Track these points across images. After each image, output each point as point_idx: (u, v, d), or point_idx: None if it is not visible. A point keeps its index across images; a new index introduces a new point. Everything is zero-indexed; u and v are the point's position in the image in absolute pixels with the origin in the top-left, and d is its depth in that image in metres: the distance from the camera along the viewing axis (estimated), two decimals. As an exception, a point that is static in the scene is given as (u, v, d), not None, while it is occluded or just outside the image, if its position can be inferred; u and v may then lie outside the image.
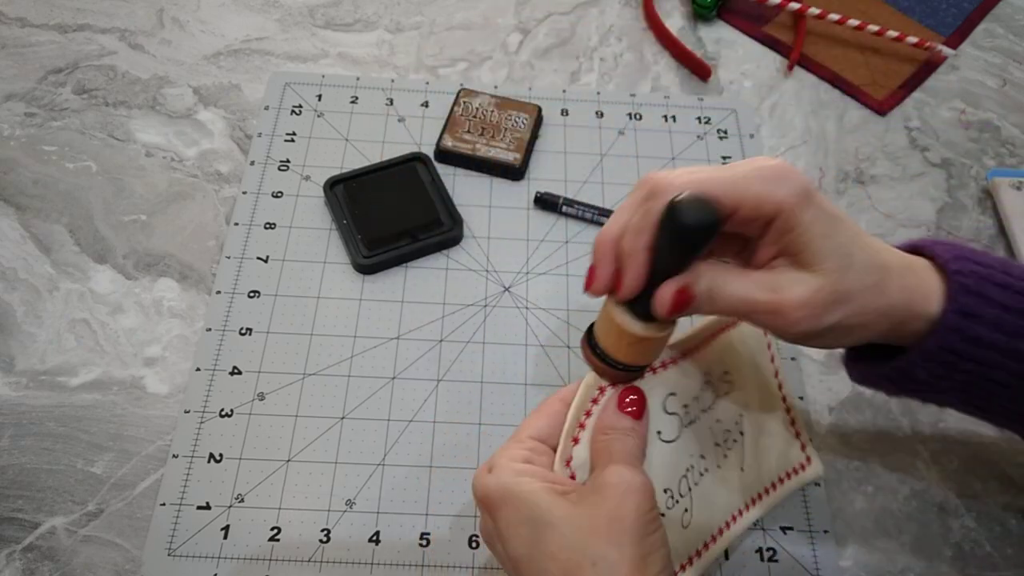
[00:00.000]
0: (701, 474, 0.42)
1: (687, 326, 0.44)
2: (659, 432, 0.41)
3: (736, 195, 0.34)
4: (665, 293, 0.34)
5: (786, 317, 0.35)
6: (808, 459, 0.47)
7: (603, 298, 0.38)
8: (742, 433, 0.45)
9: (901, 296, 0.36)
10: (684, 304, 0.35)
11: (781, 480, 0.46)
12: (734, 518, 0.44)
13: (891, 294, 0.36)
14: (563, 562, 0.33)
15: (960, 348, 0.36)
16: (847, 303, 0.35)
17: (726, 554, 0.47)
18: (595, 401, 0.40)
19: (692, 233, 0.33)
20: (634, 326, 0.36)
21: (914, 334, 0.37)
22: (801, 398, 0.53)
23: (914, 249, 0.39)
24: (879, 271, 0.36)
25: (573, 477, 0.38)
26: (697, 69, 0.69)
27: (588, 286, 0.37)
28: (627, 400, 0.39)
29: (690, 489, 0.42)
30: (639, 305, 0.35)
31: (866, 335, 0.37)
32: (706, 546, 0.42)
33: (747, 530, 0.44)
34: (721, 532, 0.43)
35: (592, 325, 0.39)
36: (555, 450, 0.39)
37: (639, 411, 0.38)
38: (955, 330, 0.36)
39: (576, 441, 0.39)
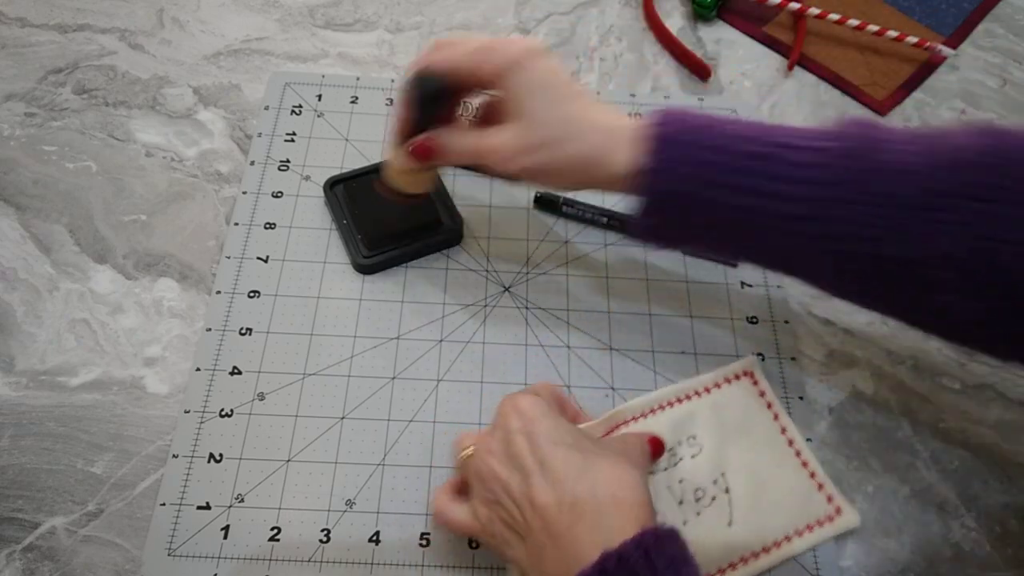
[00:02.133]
0: None
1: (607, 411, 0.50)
2: None
3: (455, 66, 0.45)
4: (415, 142, 0.47)
5: (488, 158, 0.45)
6: (838, 509, 0.47)
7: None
8: (727, 491, 0.47)
9: (588, 150, 0.43)
10: (426, 152, 0.47)
11: (804, 531, 0.47)
12: (732, 566, 0.45)
13: (576, 148, 0.43)
14: (600, 451, 0.41)
15: (661, 197, 0.43)
16: (534, 151, 0.44)
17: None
18: (614, 428, 0.50)
19: (422, 95, 0.45)
20: (402, 163, 0.49)
21: (613, 186, 0.44)
22: (801, 398, 0.53)
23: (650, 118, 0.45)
24: (567, 127, 0.44)
25: None
26: (697, 69, 0.69)
27: (391, 133, 0.50)
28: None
29: None
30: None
31: (566, 180, 0.46)
32: None
33: None
34: None
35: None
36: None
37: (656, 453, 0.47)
38: (650, 182, 0.42)
39: (608, 434, 0.49)
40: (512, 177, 0.47)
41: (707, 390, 0.51)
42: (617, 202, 0.61)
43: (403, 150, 0.48)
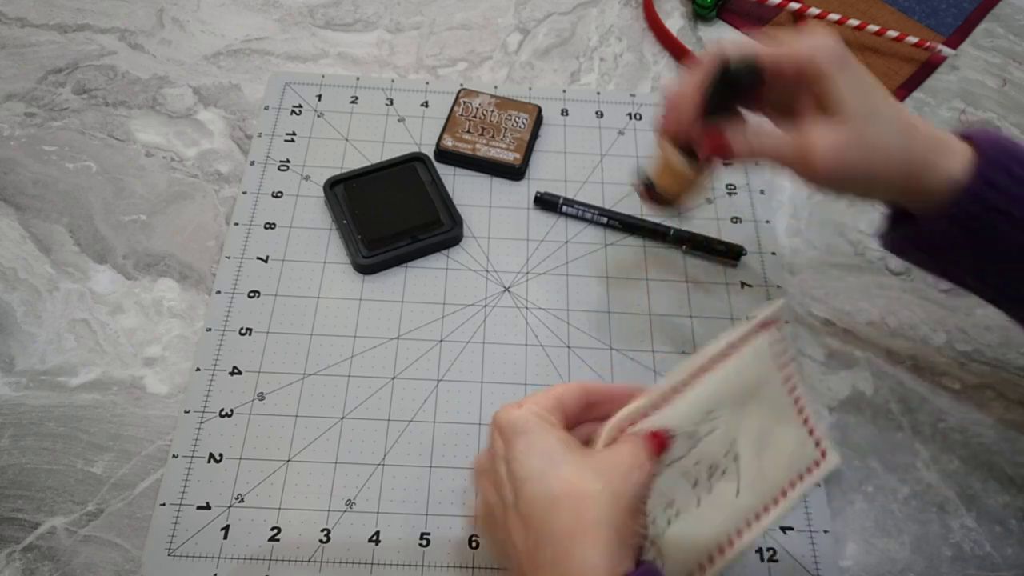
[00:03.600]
0: (669, 522, 0.43)
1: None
2: None
3: (777, 54, 0.41)
4: (711, 132, 0.42)
5: (813, 161, 0.40)
6: (823, 453, 0.46)
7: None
8: (736, 458, 0.45)
9: (925, 155, 0.40)
10: (721, 147, 0.42)
11: (796, 481, 0.46)
12: (739, 533, 0.44)
13: (915, 150, 0.40)
14: (571, 481, 0.36)
15: (981, 215, 0.40)
16: (871, 152, 0.40)
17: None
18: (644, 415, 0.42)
19: (738, 81, 0.41)
20: (679, 161, 0.44)
21: (933, 196, 0.41)
22: (801, 398, 0.53)
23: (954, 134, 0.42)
24: (905, 128, 0.40)
25: None
26: (697, 69, 0.69)
27: (661, 129, 0.45)
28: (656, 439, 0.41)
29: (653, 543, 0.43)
30: (686, 148, 0.44)
31: (887, 190, 0.42)
32: (702, 568, 0.43)
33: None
34: (721, 552, 0.44)
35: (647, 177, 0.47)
36: (567, 429, 0.40)
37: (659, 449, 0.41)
38: (978, 197, 0.39)
39: (623, 431, 0.41)
40: (823, 182, 0.43)
41: (726, 355, 0.45)
42: (617, 202, 0.61)
43: (685, 146, 0.44)
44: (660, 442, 0.42)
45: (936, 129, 0.42)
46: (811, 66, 0.41)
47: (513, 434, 0.38)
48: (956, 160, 0.40)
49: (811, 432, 0.47)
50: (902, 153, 0.40)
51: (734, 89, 0.41)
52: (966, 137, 0.42)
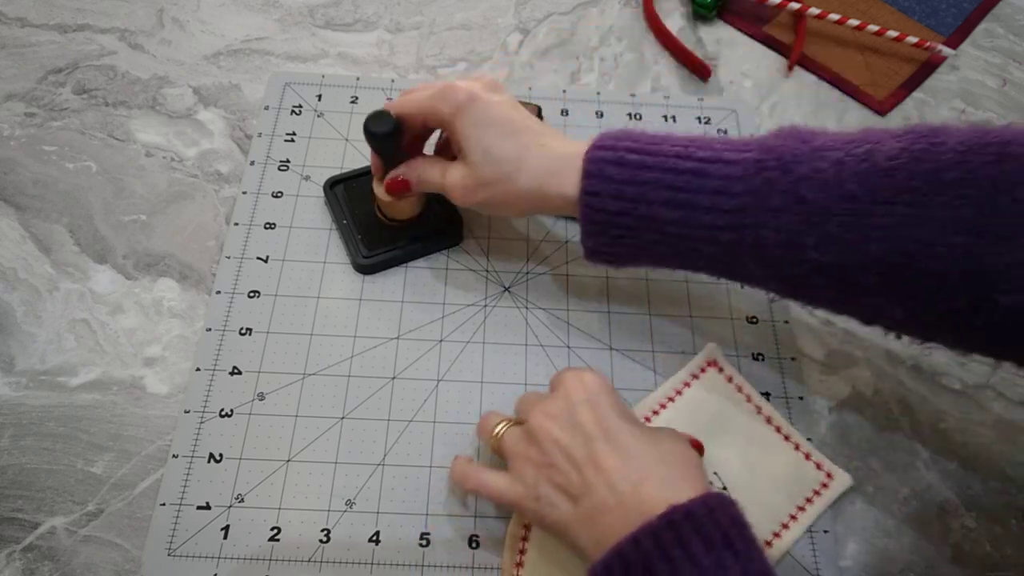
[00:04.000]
0: None
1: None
2: None
3: (408, 110, 0.49)
4: (388, 178, 0.52)
5: (451, 193, 0.50)
6: (829, 475, 0.48)
7: None
8: (724, 489, 0.48)
9: (535, 183, 0.46)
10: (398, 187, 0.52)
11: (804, 504, 0.47)
12: None
13: (522, 182, 0.46)
14: (664, 430, 0.43)
15: (600, 219, 0.45)
16: (486, 187, 0.48)
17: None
18: (671, 400, 0.50)
19: (376, 136, 0.48)
20: (385, 196, 0.53)
21: (565, 208, 0.47)
22: (801, 398, 0.53)
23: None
24: (514, 162, 0.46)
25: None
26: (697, 69, 0.69)
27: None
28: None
29: None
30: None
31: (517, 209, 0.50)
32: None
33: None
34: None
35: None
36: None
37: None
38: (586, 206, 0.45)
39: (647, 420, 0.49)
40: (469, 207, 0.51)
41: (678, 392, 0.51)
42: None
43: (381, 186, 0.53)
44: (696, 444, 0.47)
45: (567, 148, 0.46)
46: (433, 116, 0.48)
47: (602, 389, 0.43)
48: (571, 177, 0.45)
49: (807, 457, 0.48)
50: (517, 184, 0.47)
51: (384, 137, 0.48)
52: (595, 145, 0.46)
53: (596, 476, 0.39)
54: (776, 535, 0.47)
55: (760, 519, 0.46)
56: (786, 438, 0.50)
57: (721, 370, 0.52)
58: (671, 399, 0.51)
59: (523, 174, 0.46)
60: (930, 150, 0.38)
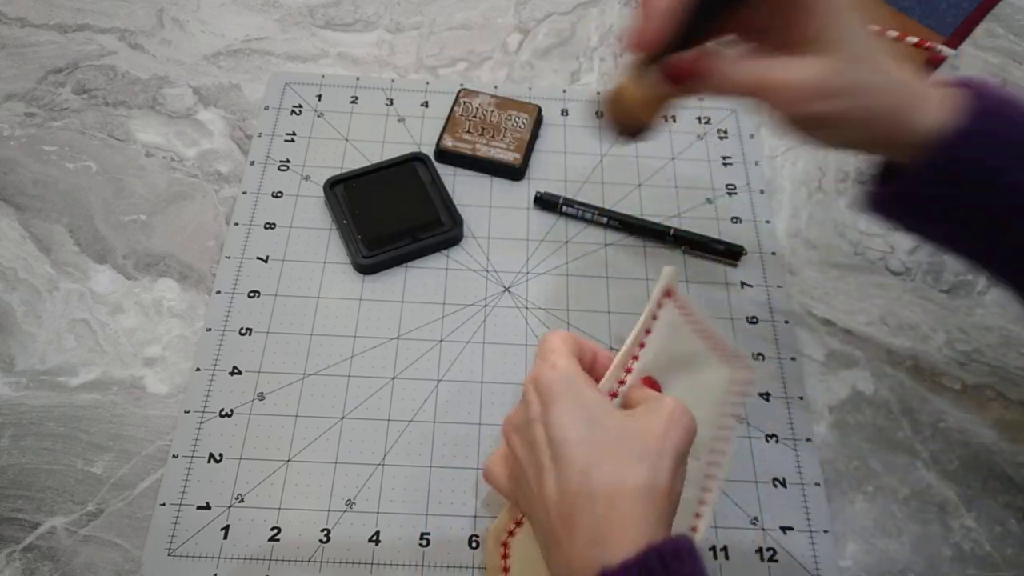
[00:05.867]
0: None
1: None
2: None
3: None
4: (680, 59, 0.38)
5: (775, 95, 0.37)
6: (743, 369, 0.46)
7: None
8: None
9: (896, 103, 0.37)
10: (691, 73, 0.38)
11: (731, 412, 0.47)
12: (706, 491, 0.44)
13: (886, 98, 0.37)
14: (611, 453, 0.35)
15: (961, 167, 0.37)
16: (842, 95, 0.36)
17: (726, 554, 0.47)
18: (642, 345, 0.43)
19: None
20: (644, 87, 0.40)
21: (922, 141, 0.37)
22: (801, 398, 0.53)
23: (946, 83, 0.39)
24: (881, 72, 0.37)
25: None
26: (697, 69, 0.69)
27: (631, 43, 0.38)
28: None
29: None
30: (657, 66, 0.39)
31: (864, 135, 0.38)
32: (693, 529, 0.43)
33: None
34: (703, 503, 0.44)
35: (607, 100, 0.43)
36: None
37: None
38: (953, 148, 0.37)
39: (622, 383, 0.42)
40: (802, 120, 0.39)
41: (641, 345, 0.45)
42: (617, 202, 0.61)
43: (655, 68, 0.39)
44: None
45: (917, 75, 0.38)
46: None
47: (551, 397, 0.38)
48: (945, 105, 0.37)
49: (728, 360, 0.46)
50: (882, 99, 0.37)
51: (715, 4, 0.37)
52: (959, 85, 0.38)
53: (541, 506, 0.37)
54: (719, 450, 0.46)
55: (702, 435, 0.45)
56: (713, 347, 0.47)
57: (674, 298, 0.46)
58: (641, 345, 0.45)
59: (887, 90, 0.37)
60: None
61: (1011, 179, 0.36)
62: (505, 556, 0.43)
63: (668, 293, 0.45)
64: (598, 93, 0.67)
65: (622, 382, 0.42)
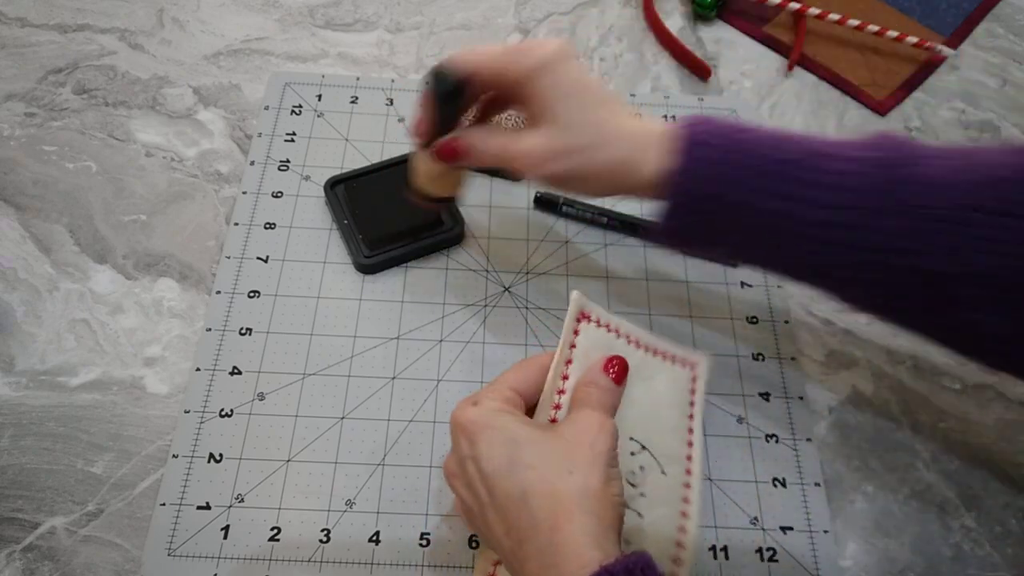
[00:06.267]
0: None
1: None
2: None
3: (481, 66, 0.42)
4: (440, 143, 0.45)
5: (517, 162, 0.44)
6: (693, 365, 0.46)
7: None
8: (633, 439, 0.45)
9: (619, 156, 0.42)
10: (452, 153, 0.45)
11: (691, 412, 0.47)
12: (686, 501, 0.45)
13: (607, 154, 0.42)
14: (541, 470, 0.37)
15: (689, 200, 0.42)
16: (566, 157, 0.42)
17: (726, 554, 0.47)
18: (569, 362, 0.44)
19: (440, 91, 0.43)
20: (428, 165, 0.47)
21: (649, 191, 0.42)
22: (801, 398, 0.53)
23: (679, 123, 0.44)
24: (598, 133, 0.42)
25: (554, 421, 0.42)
26: (697, 69, 0.69)
27: (410, 131, 0.47)
28: (612, 364, 0.43)
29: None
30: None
31: (596, 186, 0.45)
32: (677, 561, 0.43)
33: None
34: (684, 531, 0.44)
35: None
36: (530, 406, 0.42)
37: (619, 377, 0.42)
38: (678, 185, 0.41)
39: (561, 392, 0.42)
40: (538, 182, 0.46)
41: (568, 362, 0.45)
42: (617, 202, 0.61)
43: (428, 151, 0.46)
44: (616, 366, 0.43)
45: (649, 125, 0.43)
46: (504, 75, 0.43)
47: (474, 433, 0.39)
48: (655, 155, 0.42)
49: (672, 360, 0.47)
50: (601, 155, 0.42)
51: (448, 96, 0.43)
52: (683, 126, 0.42)
53: (496, 542, 0.38)
54: (688, 456, 0.46)
55: (671, 445, 0.45)
56: (653, 352, 0.47)
57: (591, 319, 0.47)
58: (565, 376, 0.45)
59: (609, 147, 0.42)
60: None
61: (734, 200, 0.40)
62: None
63: (582, 317, 0.46)
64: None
65: (558, 407, 0.42)
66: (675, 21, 0.73)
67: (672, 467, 0.45)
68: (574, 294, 0.46)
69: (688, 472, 0.46)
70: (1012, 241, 0.36)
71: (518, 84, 0.43)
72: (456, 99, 0.43)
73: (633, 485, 0.44)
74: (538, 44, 0.43)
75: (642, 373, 0.46)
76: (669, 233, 0.44)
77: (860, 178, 0.39)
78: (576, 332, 0.45)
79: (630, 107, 0.45)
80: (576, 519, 0.35)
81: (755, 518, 0.49)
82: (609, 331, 0.46)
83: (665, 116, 0.66)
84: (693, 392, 0.48)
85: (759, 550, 0.48)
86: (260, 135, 0.63)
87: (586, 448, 0.37)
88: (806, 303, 0.57)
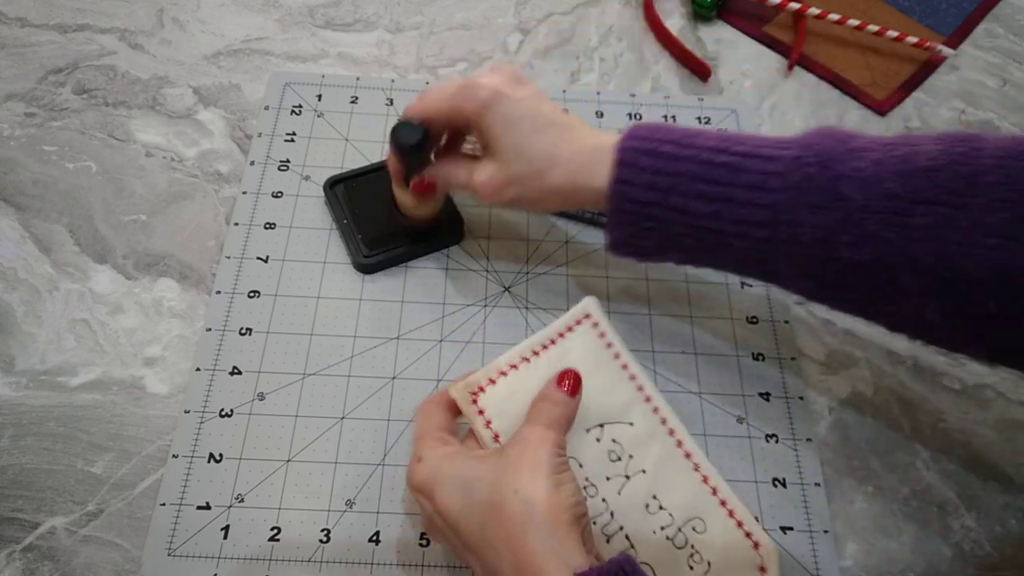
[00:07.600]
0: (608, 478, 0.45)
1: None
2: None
3: (432, 113, 0.47)
4: (415, 183, 0.51)
5: (480, 192, 0.48)
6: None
7: None
8: (643, 472, 0.45)
9: (566, 177, 0.45)
10: (426, 189, 0.51)
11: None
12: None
13: (554, 177, 0.46)
14: (490, 501, 0.38)
15: (629, 209, 0.44)
16: (517, 184, 0.47)
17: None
18: (536, 354, 0.47)
19: (406, 148, 0.48)
20: (408, 199, 0.53)
21: (596, 202, 0.45)
22: (801, 398, 0.53)
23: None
24: (545, 158, 0.46)
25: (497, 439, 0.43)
26: (697, 69, 0.69)
27: (390, 169, 0.52)
28: (565, 378, 0.43)
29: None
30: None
31: (547, 205, 0.51)
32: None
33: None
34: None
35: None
36: (453, 432, 0.44)
37: (573, 390, 0.43)
38: (617, 196, 0.44)
39: (488, 424, 0.44)
40: (497, 206, 0.50)
41: (552, 342, 0.48)
42: (617, 202, 0.61)
43: (407, 190, 0.52)
44: (569, 380, 0.44)
45: (597, 140, 0.46)
46: (457, 115, 0.47)
47: (430, 490, 0.40)
48: (602, 170, 0.44)
49: (655, 411, 0.47)
50: (551, 177, 0.46)
51: (413, 148, 0.47)
52: (624, 137, 0.45)
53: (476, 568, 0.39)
54: (647, 399, 0.47)
55: (618, 398, 0.46)
56: (647, 399, 0.48)
57: (596, 324, 0.49)
58: (545, 347, 0.48)
59: (555, 169, 0.46)
60: (969, 154, 0.38)
61: (670, 205, 0.43)
62: (481, 412, 0.44)
63: (583, 319, 0.48)
64: (598, 93, 0.67)
65: (489, 423, 0.44)
66: (675, 21, 0.73)
67: (633, 415, 0.46)
68: (588, 299, 0.49)
69: (656, 411, 0.47)
70: (939, 228, 0.37)
71: (469, 122, 0.47)
72: (420, 148, 0.48)
73: (619, 459, 0.45)
74: (479, 86, 0.46)
75: (617, 391, 0.48)
76: (615, 243, 0.47)
77: (788, 176, 0.40)
78: (569, 329, 0.47)
79: (584, 125, 0.47)
80: (530, 536, 0.36)
81: (755, 518, 0.49)
82: (603, 340, 0.48)
83: (665, 116, 0.66)
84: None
85: (759, 550, 0.48)
86: (260, 135, 0.63)
87: (526, 463, 0.38)
88: (806, 303, 0.57)
